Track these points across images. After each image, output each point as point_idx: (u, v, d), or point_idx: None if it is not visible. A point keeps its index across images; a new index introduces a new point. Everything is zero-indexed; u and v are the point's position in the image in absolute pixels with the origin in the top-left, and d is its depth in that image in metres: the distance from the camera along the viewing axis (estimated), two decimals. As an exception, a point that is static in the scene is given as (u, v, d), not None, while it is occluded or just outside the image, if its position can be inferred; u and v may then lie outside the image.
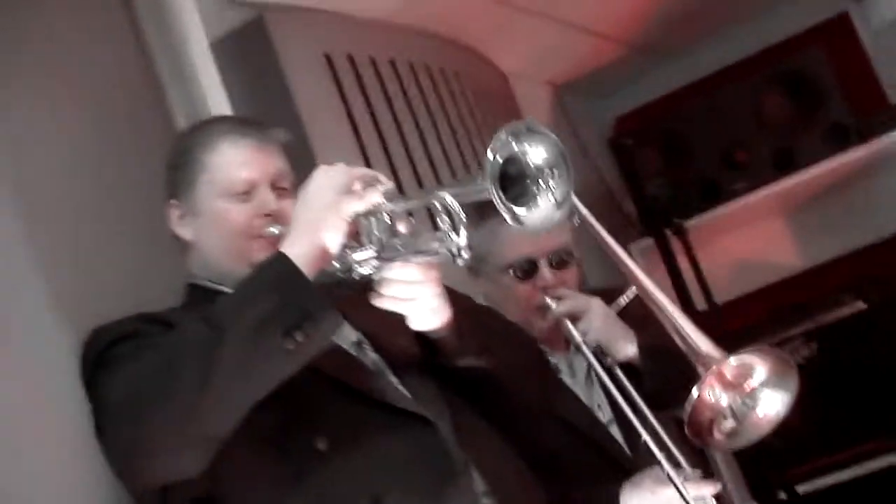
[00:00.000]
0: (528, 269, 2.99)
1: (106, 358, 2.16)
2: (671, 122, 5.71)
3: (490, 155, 1.96)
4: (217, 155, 2.41)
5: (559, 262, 3.00)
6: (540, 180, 2.01)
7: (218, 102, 3.69)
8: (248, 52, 3.94)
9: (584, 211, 2.86)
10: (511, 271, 3.00)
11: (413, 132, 4.34)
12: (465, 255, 2.04)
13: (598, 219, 3.01)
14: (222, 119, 2.72)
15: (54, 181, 2.88)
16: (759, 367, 2.65)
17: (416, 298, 2.24)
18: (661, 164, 5.53)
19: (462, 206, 2.05)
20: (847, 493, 4.96)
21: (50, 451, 2.52)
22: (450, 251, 2.05)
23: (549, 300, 2.96)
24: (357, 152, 4.03)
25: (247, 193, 2.38)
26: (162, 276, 2.56)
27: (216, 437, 2.05)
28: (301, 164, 2.48)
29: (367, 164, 3.99)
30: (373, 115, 4.21)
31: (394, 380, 2.39)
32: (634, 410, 2.76)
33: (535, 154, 2.01)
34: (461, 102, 4.79)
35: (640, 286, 2.81)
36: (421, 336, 2.35)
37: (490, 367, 2.42)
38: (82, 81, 3.18)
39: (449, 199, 2.02)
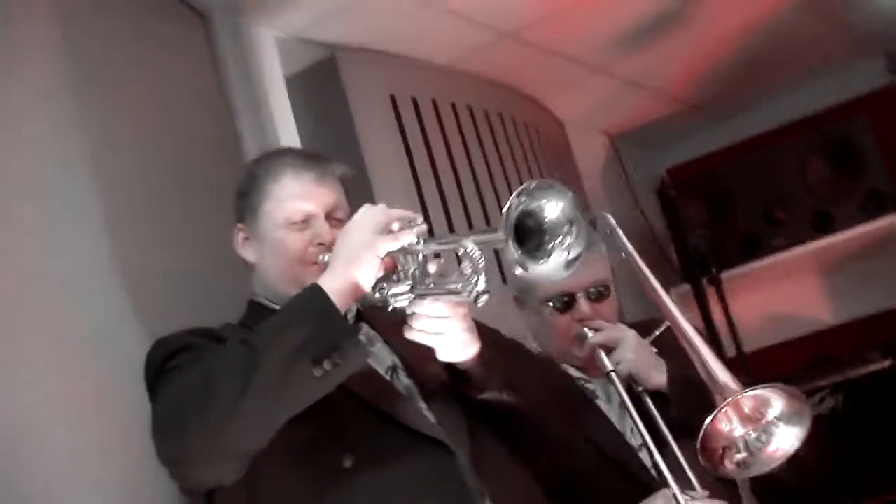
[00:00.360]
0: (567, 302, 3.02)
1: (161, 370, 2.23)
2: (717, 177, 5.71)
3: (507, 208, 2.01)
4: (280, 186, 2.47)
5: (597, 295, 3.03)
6: (559, 237, 2.07)
7: (288, 133, 3.78)
8: (319, 89, 4.04)
9: (630, 248, 2.91)
10: (552, 303, 3.03)
11: (467, 172, 4.39)
12: (484, 299, 2.07)
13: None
14: (287, 151, 2.74)
15: (136, 201, 2.96)
16: (774, 402, 2.66)
17: (445, 333, 2.26)
18: (704, 215, 5.54)
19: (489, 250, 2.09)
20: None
21: (119, 447, 2.59)
22: (470, 294, 2.08)
23: (586, 330, 3.00)
24: (413, 188, 4.10)
25: (304, 223, 2.43)
26: (227, 291, 2.61)
27: (248, 452, 2.11)
28: (359, 196, 2.52)
29: (421, 200, 4.08)
30: (430, 154, 4.27)
31: (422, 405, 2.41)
32: (658, 436, 2.77)
33: (551, 211, 2.07)
34: (516, 147, 4.82)
35: (673, 320, 2.83)
36: (449, 366, 2.36)
37: (513, 402, 2.43)
38: (164, 110, 3.27)
39: (471, 246, 2.06)
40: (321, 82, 4.06)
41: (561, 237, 2.07)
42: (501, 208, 2.46)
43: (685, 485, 2.68)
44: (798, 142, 5.63)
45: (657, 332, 2.96)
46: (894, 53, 5.31)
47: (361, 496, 2.26)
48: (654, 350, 2.97)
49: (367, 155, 3.97)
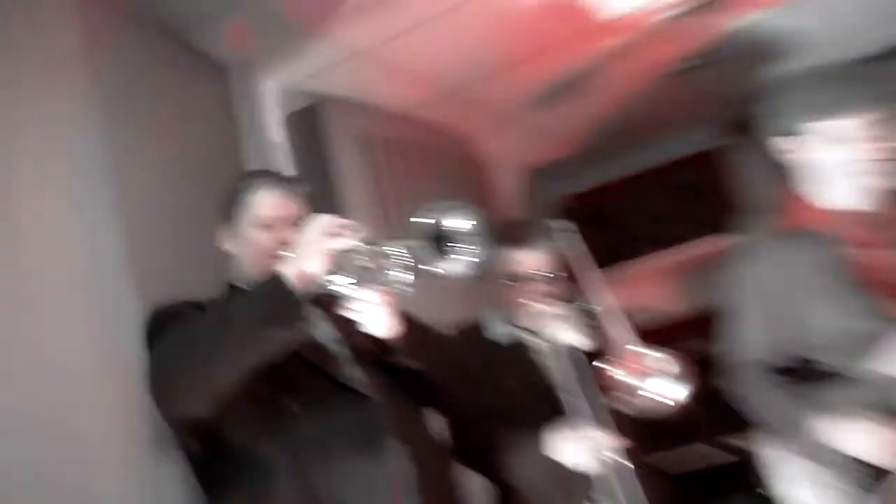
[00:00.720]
0: (521, 280, 3.08)
1: (155, 333, 2.25)
2: (605, 203, 5.90)
3: (427, 221, 2.07)
4: (256, 198, 2.52)
5: (543, 277, 3.08)
6: (466, 246, 2.09)
7: (282, 160, 3.85)
8: (307, 127, 4.10)
9: (581, 245, 2.98)
10: (510, 280, 3.10)
11: (413, 193, 4.44)
12: (407, 290, 2.10)
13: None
14: (264, 173, 2.77)
15: (150, 205, 3.00)
16: (665, 363, 2.76)
17: (374, 315, 2.28)
18: (592, 232, 5.61)
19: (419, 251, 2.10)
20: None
21: (119, 393, 2.63)
22: (396, 286, 2.11)
23: (532, 303, 3.05)
24: (378, 209, 4.17)
25: (272, 226, 2.47)
26: (213, 276, 2.61)
27: (218, 395, 2.12)
28: (333, 209, 2.58)
29: (384, 215, 4.15)
30: (388, 182, 4.34)
31: (356, 369, 2.43)
32: (582, 383, 2.80)
33: (462, 226, 2.09)
34: (451, 176, 4.92)
35: (603, 298, 2.88)
36: (377, 339, 2.36)
37: (422, 369, 2.47)
38: (185, 141, 3.31)
39: (399, 249, 2.09)
40: (310, 122, 4.12)
41: (467, 246, 2.08)
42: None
43: (598, 419, 2.74)
44: (662, 180, 5.80)
45: (591, 309, 2.96)
46: (726, 122, 5.47)
47: (305, 433, 2.28)
48: (588, 324, 2.98)
49: (341, 179, 4.07)
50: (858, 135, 2.75)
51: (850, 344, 2.69)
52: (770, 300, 2.79)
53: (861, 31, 4.65)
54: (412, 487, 2.34)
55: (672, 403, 2.74)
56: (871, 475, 2.65)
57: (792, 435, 2.73)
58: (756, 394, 2.82)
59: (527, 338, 3.12)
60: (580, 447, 2.79)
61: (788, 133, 2.83)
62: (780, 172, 2.88)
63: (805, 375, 2.78)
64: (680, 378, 2.76)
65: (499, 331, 3.19)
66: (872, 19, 4.70)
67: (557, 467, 2.89)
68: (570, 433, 2.80)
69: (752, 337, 2.85)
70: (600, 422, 2.75)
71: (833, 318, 2.72)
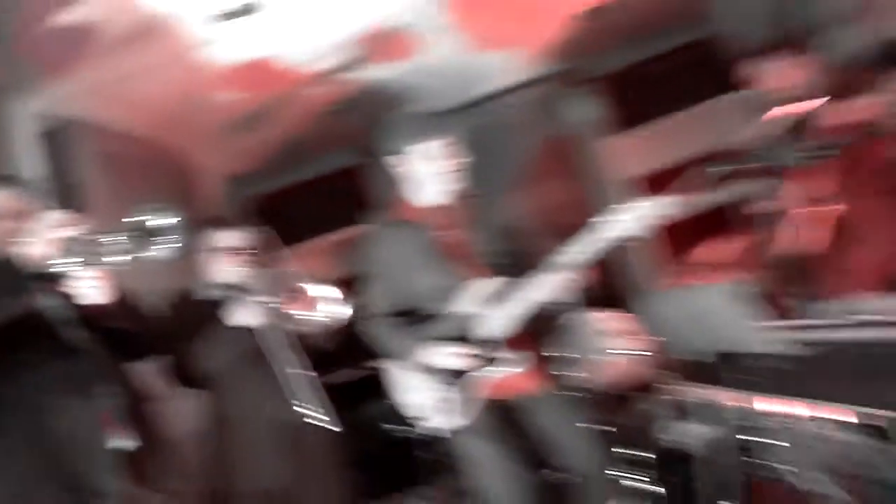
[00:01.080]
0: (221, 254, 3.04)
1: None
2: (284, 202, 5.80)
3: (139, 218, 2.05)
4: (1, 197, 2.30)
5: (239, 251, 3.07)
6: (166, 237, 2.07)
7: (28, 170, 3.63)
8: (54, 143, 3.85)
9: (270, 232, 3.00)
10: (212, 255, 3.06)
11: (138, 196, 3.94)
12: (124, 269, 2.04)
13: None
14: (4, 176, 2.58)
15: None
16: (329, 291, 2.89)
17: (94, 287, 2.18)
18: (274, 222, 5.49)
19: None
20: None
21: None
22: (113, 266, 2.07)
23: (231, 269, 3.04)
24: (108, 208, 3.79)
25: (11, 220, 2.24)
26: None
27: None
28: (69, 206, 2.50)
29: (113, 213, 3.82)
30: (119, 186, 4.10)
31: (85, 332, 2.28)
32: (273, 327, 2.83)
33: (164, 222, 2.08)
34: (169, 182, 4.73)
35: (287, 265, 2.99)
36: (99, 307, 2.25)
37: (131, 328, 2.37)
38: None
39: (117, 237, 2.05)
40: (57, 140, 3.87)
41: (171, 235, 2.06)
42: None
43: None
44: (322, 186, 5.74)
45: (278, 272, 2.97)
46: (363, 147, 5.33)
47: (36, 380, 2.19)
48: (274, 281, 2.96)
49: (80, 185, 3.84)
50: (439, 154, 2.86)
51: (438, 295, 2.82)
52: (388, 268, 2.88)
53: (448, 91, 4.95)
54: (120, 421, 2.26)
55: (341, 321, 2.81)
56: (454, 376, 2.79)
57: (404, 358, 2.83)
58: (381, 332, 2.87)
59: (228, 294, 3.06)
60: (254, 311, 2.85)
61: (396, 153, 2.94)
62: (393, 181, 2.98)
63: (413, 318, 2.87)
64: (342, 302, 2.85)
65: (206, 292, 3.12)
66: (458, 83, 5.04)
67: (240, 336, 2.90)
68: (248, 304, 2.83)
69: (377, 293, 2.90)
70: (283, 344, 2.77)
71: (428, 278, 2.85)
